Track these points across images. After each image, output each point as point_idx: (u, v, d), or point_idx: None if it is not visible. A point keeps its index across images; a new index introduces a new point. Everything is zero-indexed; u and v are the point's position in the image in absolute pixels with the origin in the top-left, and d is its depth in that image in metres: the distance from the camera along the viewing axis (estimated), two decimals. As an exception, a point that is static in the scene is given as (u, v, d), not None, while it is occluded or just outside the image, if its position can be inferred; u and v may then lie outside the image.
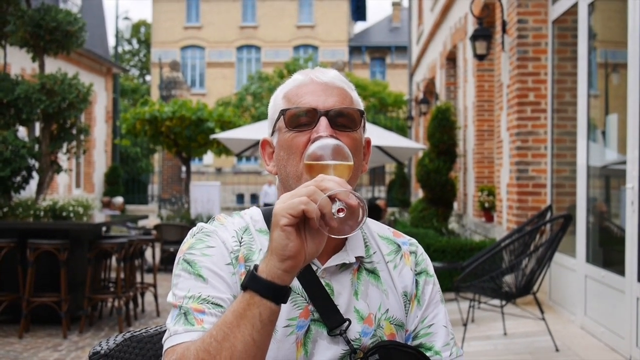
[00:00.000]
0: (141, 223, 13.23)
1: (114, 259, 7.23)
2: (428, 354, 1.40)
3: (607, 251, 5.59)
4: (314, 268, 1.35)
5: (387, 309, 1.39)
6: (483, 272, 5.41)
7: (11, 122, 7.22)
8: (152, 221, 14.49)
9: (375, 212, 9.28)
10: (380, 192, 23.62)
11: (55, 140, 7.37)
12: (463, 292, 5.68)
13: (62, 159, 8.06)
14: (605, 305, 5.12)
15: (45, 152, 7.25)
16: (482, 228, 9.34)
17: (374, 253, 1.44)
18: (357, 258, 1.40)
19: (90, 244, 6.72)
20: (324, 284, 1.34)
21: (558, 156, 6.63)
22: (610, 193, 5.83)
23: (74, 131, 7.54)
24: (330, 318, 1.30)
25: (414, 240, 1.52)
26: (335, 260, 1.37)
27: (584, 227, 5.68)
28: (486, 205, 9.31)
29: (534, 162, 6.77)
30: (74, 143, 7.63)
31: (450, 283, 6.61)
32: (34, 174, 7.30)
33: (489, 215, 9.29)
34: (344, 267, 1.38)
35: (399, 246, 1.48)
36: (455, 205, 11.95)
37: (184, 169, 14.86)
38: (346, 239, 1.39)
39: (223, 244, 1.33)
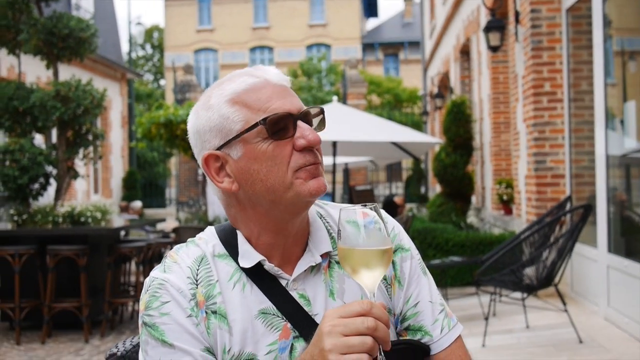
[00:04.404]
0: (159, 226, 13.29)
1: (133, 262, 7.26)
2: (418, 335, 1.34)
3: (629, 240, 5.51)
4: (284, 283, 1.27)
5: None
6: (503, 265, 5.36)
7: (27, 130, 7.27)
8: (170, 224, 14.55)
9: (391, 208, 9.23)
10: (398, 189, 23.53)
11: (72, 147, 7.41)
12: (484, 285, 5.63)
13: (79, 164, 8.11)
14: (629, 296, 5.04)
15: (62, 159, 7.30)
16: (501, 221, 9.27)
17: None
18: (324, 254, 1.32)
19: (109, 249, 6.75)
20: (297, 295, 1.27)
21: (576, 146, 6.55)
22: (631, 182, 5.75)
23: (90, 137, 7.57)
24: (310, 332, 1.17)
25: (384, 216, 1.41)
26: (301, 266, 1.29)
27: (605, 216, 5.60)
28: (504, 197, 9.23)
29: (551, 153, 6.69)
30: (90, 149, 7.67)
31: (471, 277, 6.56)
32: (52, 180, 7.34)
33: (507, 208, 9.21)
34: (314, 269, 1.30)
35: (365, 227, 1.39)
36: (474, 199, 11.87)
37: (200, 171, 14.90)
38: (307, 239, 1.32)
39: (179, 293, 1.24)
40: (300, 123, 1.25)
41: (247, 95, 1.25)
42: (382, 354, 1.10)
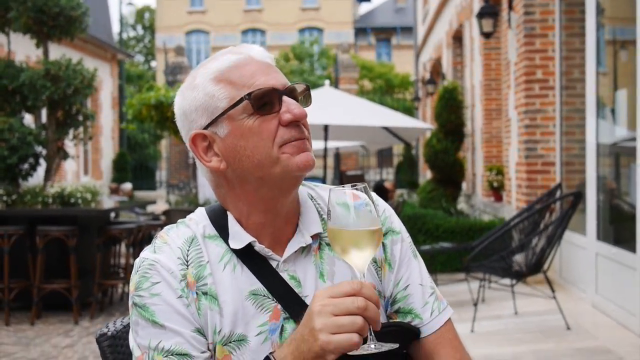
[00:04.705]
0: (149, 208, 13.28)
1: (123, 244, 7.25)
2: (408, 318, 1.33)
3: (618, 228, 5.55)
4: (274, 264, 1.27)
5: None
6: (493, 252, 5.39)
7: (17, 109, 7.21)
8: (160, 206, 14.54)
9: (381, 193, 9.25)
10: (388, 174, 23.58)
11: (62, 127, 7.36)
12: (473, 272, 5.66)
13: (69, 145, 8.07)
14: (617, 283, 5.09)
15: (52, 139, 7.25)
16: (491, 208, 9.31)
17: None
18: (315, 236, 1.31)
19: (99, 230, 6.73)
20: (287, 277, 1.26)
21: (567, 134, 6.57)
22: (620, 170, 5.78)
23: (80, 117, 7.52)
24: (300, 314, 1.16)
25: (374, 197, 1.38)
26: (291, 247, 1.28)
27: (594, 204, 5.64)
28: (495, 184, 9.27)
29: (542, 140, 6.71)
30: (80, 129, 7.62)
31: (460, 263, 6.60)
32: (41, 160, 7.30)
33: (497, 194, 9.25)
34: (305, 250, 1.29)
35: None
36: (464, 185, 11.91)
37: (191, 154, 14.85)
38: (298, 220, 1.32)
39: (169, 273, 1.23)
40: (285, 98, 1.25)
41: (231, 72, 1.25)
42: (372, 334, 1.10)
